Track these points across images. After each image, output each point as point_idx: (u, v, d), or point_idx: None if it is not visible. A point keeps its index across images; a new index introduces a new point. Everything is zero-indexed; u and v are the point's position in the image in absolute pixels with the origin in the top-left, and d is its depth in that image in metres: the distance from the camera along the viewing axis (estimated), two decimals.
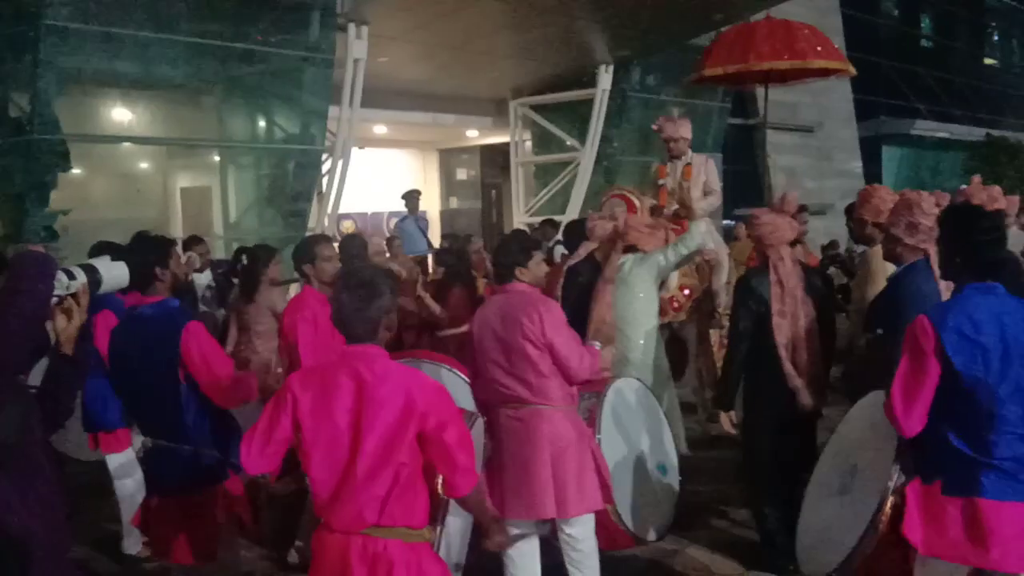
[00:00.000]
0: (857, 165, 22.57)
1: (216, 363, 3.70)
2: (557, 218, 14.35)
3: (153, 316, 3.76)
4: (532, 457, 3.89)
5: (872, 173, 23.38)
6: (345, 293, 3.00)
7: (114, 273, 3.09)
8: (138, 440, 5.44)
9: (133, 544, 5.40)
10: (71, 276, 2.80)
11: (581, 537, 4.02)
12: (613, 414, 4.64)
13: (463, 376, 4.59)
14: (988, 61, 33.40)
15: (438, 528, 3.30)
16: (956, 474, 3.06)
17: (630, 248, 6.11)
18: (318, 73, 10.51)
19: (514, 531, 3.92)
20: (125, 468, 5.39)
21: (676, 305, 6.90)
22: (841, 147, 22.02)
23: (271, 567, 5.21)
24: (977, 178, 5.63)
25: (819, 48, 7.87)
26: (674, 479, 4.95)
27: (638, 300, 6.04)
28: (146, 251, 3.82)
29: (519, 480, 3.91)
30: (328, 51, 10.38)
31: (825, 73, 8.34)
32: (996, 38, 34.46)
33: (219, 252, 11.48)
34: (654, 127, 7.30)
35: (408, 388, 2.89)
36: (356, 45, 10.49)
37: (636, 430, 4.81)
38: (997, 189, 6.06)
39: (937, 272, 4.34)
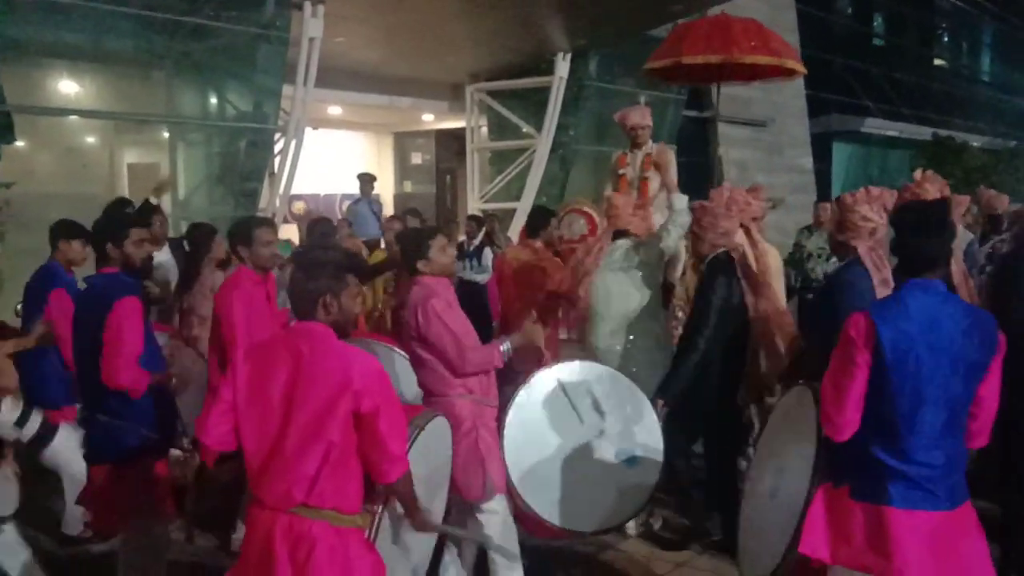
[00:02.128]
0: (808, 161, 22.83)
1: (123, 343, 3.76)
2: (512, 205, 14.41)
3: (100, 286, 3.91)
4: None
5: (822, 169, 23.72)
6: (295, 270, 3.03)
7: None
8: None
9: (74, 525, 5.29)
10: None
11: (485, 522, 4.10)
12: (541, 402, 4.52)
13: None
14: (937, 62, 34.01)
15: (376, 517, 3.23)
16: (866, 479, 3.02)
17: (620, 233, 5.94)
18: (272, 51, 10.33)
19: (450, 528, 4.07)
20: (69, 447, 5.27)
21: None
22: (792, 143, 22.26)
23: (215, 552, 5.15)
24: (928, 173, 5.69)
25: (787, 49, 8.00)
26: (648, 470, 4.65)
27: (624, 288, 5.80)
28: (105, 228, 4.06)
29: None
30: (283, 29, 10.21)
31: (786, 73, 8.42)
32: (945, 39, 35.09)
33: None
34: (616, 117, 7.27)
35: (346, 367, 2.88)
36: (312, 24, 10.32)
37: (585, 418, 4.62)
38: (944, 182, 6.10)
39: (871, 268, 4.45)
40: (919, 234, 3.05)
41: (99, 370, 3.77)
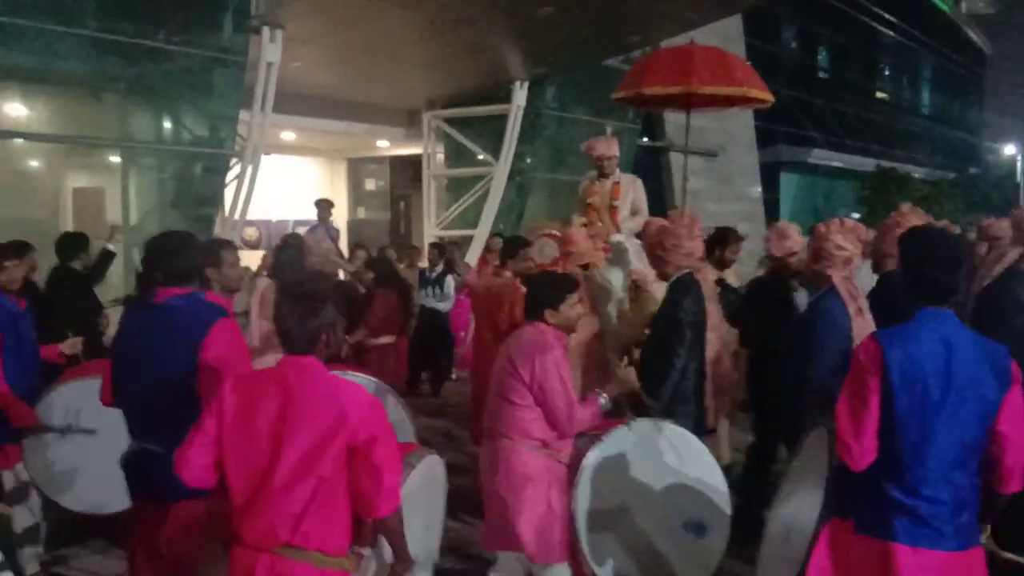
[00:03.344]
0: (756, 190, 23.22)
1: (231, 366, 3.44)
2: (469, 232, 14.35)
3: (180, 308, 3.53)
4: (493, 490, 3.82)
5: (770, 198, 24.13)
6: (288, 302, 2.88)
7: None
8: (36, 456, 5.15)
9: (30, 564, 5.06)
10: None
11: None
12: (616, 460, 4.16)
13: (392, 392, 4.45)
14: (879, 95, 34.94)
15: (363, 562, 3.08)
16: (872, 513, 2.91)
17: (584, 267, 5.83)
18: (229, 75, 10.22)
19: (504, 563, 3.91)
20: (15, 486, 5.06)
21: None
22: (741, 172, 22.63)
23: None
24: (909, 205, 5.73)
25: (752, 78, 8.02)
26: (716, 541, 4.27)
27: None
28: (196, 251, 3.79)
29: (490, 512, 3.87)
30: (240, 53, 10.10)
31: (754, 102, 8.47)
32: (887, 72, 36.06)
33: (117, 255, 11.00)
34: (583, 147, 7.25)
35: (340, 400, 2.78)
36: (270, 48, 10.23)
37: (655, 479, 4.24)
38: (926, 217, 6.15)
39: (845, 297, 4.46)
40: (935, 261, 2.96)
41: (177, 399, 3.40)
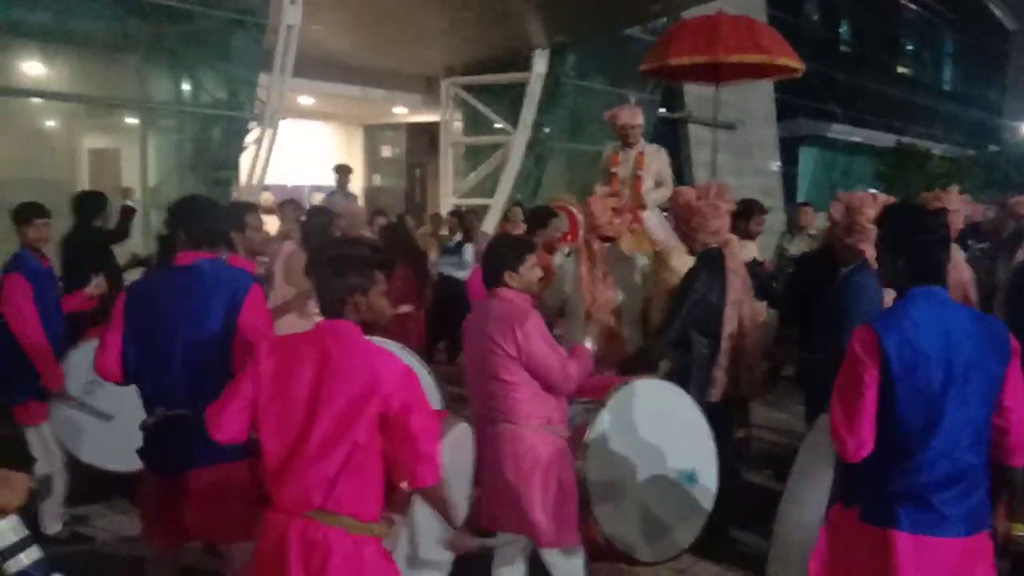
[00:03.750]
0: (775, 164, 23.03)
1: (263, 332, 3.43)
2: (485, 201, 14.28)
3: (210, 272, 3.48)
4: (500, 476, 3.70)
5: (789, 173, 23.95)
6: (314, 267, 2.89)
7: None
8: (60, 412, 5.16)
9: (51, 523, 5.08)
10: None
11: (557, 565, 3.80)
12: (614, 424, 4.22)
13: (420, 360, 4.41)
14: (901, 70, 34.54)
15: (395, 528, 3.03)
16: (875, 501, 2.84)
17: (607, 239, 5.84)
18: (249, 37, 10.15)
19: (501, 539, 3.78)
20: (40, 443, 5.08)
21: None
22: (760, 145, 22.43)
23: (199, 553, 4.95)
24: (953, 189, 5.66)
25: (780, 46, 7.91)
26: (705, 488, 4.42)
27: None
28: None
29: (493, 493, 3.72)
30: (261, 15, 10.02)
31: (783, 71, 8.36)
32: (909, 48, 35.63)
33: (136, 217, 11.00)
34: (606, 116, 7.16)
35: (375, 366, 2.75)
36: (290, 11, 10.13)
37: (651, 436, 4.33)
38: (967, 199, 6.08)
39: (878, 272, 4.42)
40: (923, 237, 2.86)
41: (215, 363, 3.36)
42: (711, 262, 4.97)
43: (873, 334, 2.76)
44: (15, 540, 2.35)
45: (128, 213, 7.21)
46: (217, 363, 3.39)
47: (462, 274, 9.47)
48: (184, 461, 3.40)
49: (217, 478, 3.39)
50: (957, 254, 4.65)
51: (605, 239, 5.85)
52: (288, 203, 7.22)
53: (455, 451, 3.48)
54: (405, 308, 6.79)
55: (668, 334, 4.85)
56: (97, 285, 5.40)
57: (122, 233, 7.15)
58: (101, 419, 5.21)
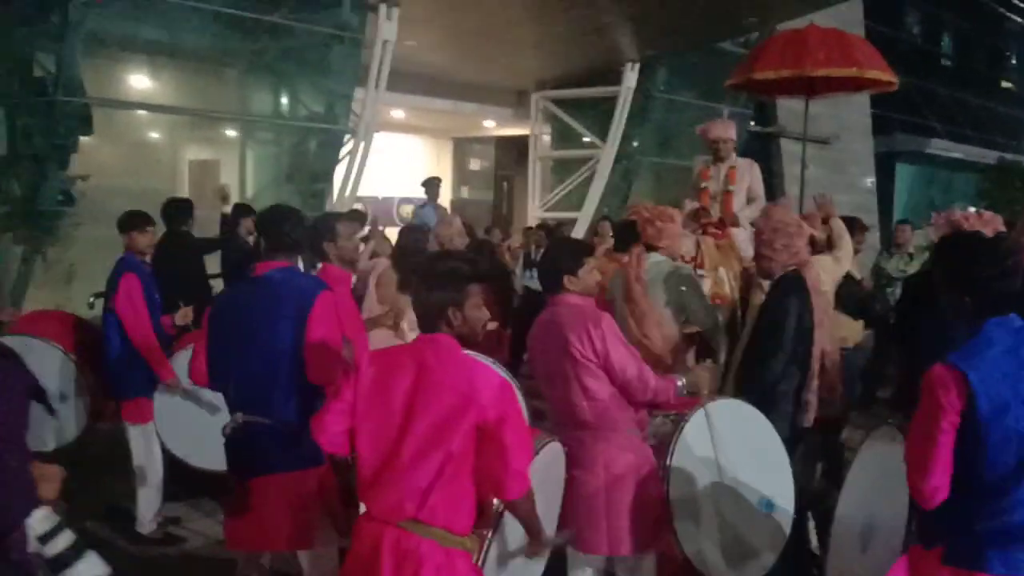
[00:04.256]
0: (871, 180, 22.44)
1: (332, 340, 3.56)
2: (572, 215, 14.26)
3: (283, 281, 3.62)
4: (585, 486, 3.63)
5: (885, 189, 23.29)
6: (411, 283, 2.96)
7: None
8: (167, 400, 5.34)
9: (148, 522, 5.24)
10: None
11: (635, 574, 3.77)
12: (697, 440, 4.10)
13: (509, 375, 4.40)
14: (1005, 84, 33.32)
15: (486, 542, 3.07)
16: (961, 543, 2.69)
17: (649, 248, 5.38)
18: (346, 52, 10.37)
19: (575, 557, 3.74)
20: (144, 442, 5.25)
21: None
22: (855, 161, 21.88)
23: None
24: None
25: (872, 59, 7.70)
26: (783, 518, 4.28)
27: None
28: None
29: (574, 509, 3.65)
30: (358, 30, 10.24)
31: (877, 85, 8.14)
32: (1014, 62, 34.38)
33: None
34: (698, 130, 7.08)
35: (472, 378, 2.78)
36: (386, 26, 10.33)
37: (730, 458, 4.21)
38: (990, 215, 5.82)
39: None
40: (981, 272, 2.73)
41: (283, 371, 3.50)
42: (796, 286, 4.81)
43: (960, 375, 2.60)
44: (50, 527, 2.57)
45: (225, 219, 7.39)
46: (288, 372, 3.50)
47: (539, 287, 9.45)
48: (259, 466, 3.53)
49: (288, 485, 3.49)
50: None
51: (653, 248, 5.36)
52: (373, 223, 7.34)
53: (547, 469, 3.46)
54: (491, 325, 6.80)
55: (771, 370, 4.61)
56: (184, 315, 5.55)
57: (217, 243, 7.34)
58: (210, 410, 5.36)
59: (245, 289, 3.76)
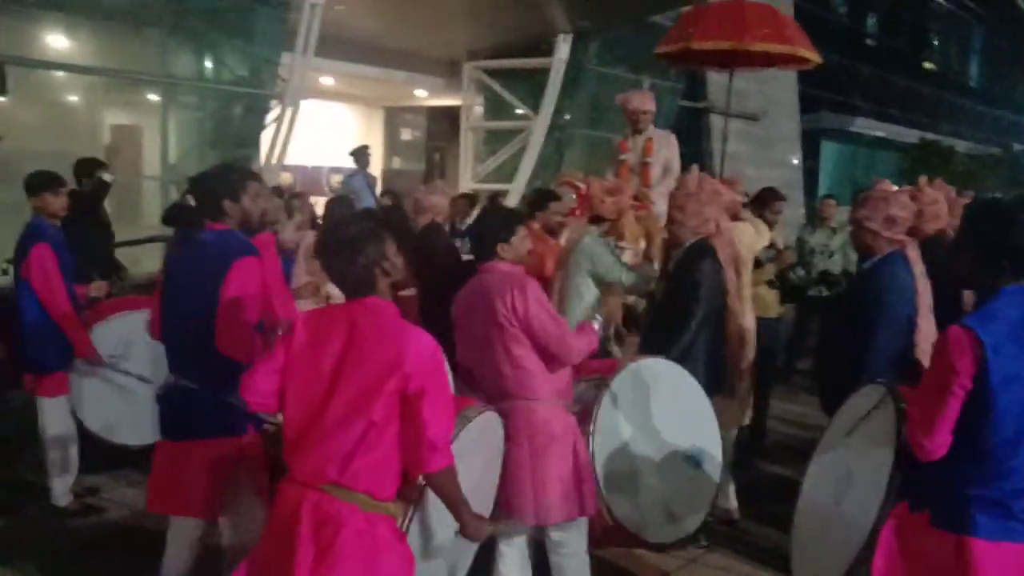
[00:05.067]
0: (797, 157, 22.82)
1: (244, 308, 3.48)
2: (504, 186, 14.22)
3: (214, 243, 3.58)
4: (511, 456, 3.63)
5: (811, 166, 23.74)
6: (328, 256, 2.86)
7: None
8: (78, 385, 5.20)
9: (62, 495, 5.10)
10: None
11: (565, 542, 3.75)
12: (622, 402, 4.15)
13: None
14: (927, 65, 34.15)
15: (411, 508, 3.02)
16: (950, 506, 2.74)
17: (594, 219, 5.67)
18: (272, 15, 10.14)
19: (502, 527, 3.70)
20: (58, 415, 5.09)
21: None
22: (783, 138, 22.22)
23: None
24: (937, 181, 5.54)
25: (801, 37, 7.81)
26: (711, 471, 4.39)
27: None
28: (217, 182, 3.71)
29: (502, 478, 3.64)
30: None
31: (800, 62, 8.25)
32: (936, 43, 35.24)
33: (152, 194, 11.02)
34: (618, 99, 7.10)
35: (400, 344, 2.73)
36: None
37: (657, 417, 4.28)
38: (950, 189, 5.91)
39: (915, 265, 4.34)
40: (1014, 233, 2.69)
41: (205, 335, 3.43)
42: (706, 252, 4.85)
43: (973, 337, 2.63)
44: None
45: (100, 185, 7.04)
46: (210, 337, 3.44)
47: (470, 257, 9.36)
48: (181, 430, 3.53)
49: (207, 451, 3.47)
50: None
51: (601, 219, 5.69)
52: (295, 197, 7.15)
53: (482, 439, 3.42)
54: (407, 292, 6.73)
55: (686, 331, 4.66)
56: (98, 288, 5.38)
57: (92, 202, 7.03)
58: (128, 384, 5.28)
59: (185, 249, 3.75)
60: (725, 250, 5.06)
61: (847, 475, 3.51)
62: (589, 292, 5.28)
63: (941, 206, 5.25)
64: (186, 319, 3.53)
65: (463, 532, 2.97)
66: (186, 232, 3.85)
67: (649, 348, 4.75)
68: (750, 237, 5.66)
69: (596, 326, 3.83)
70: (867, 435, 3.39)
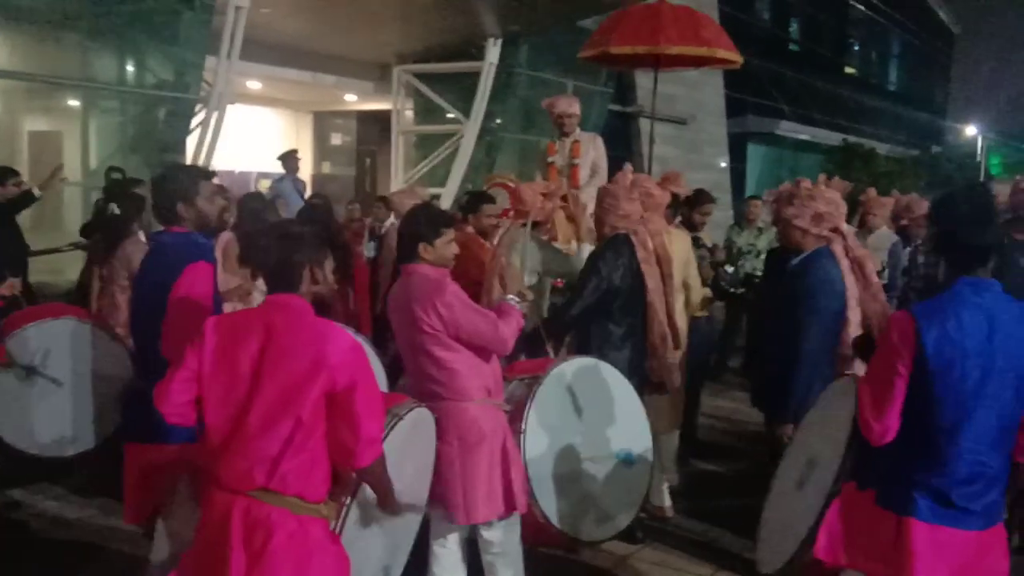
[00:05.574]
0: (724, 160, 23.23)
1: (189, 313, 3.38)
2: (437, 191, 14.17)
3: (171, 246, 3.59)
4: (441, 454, 3.61)
5: (737, 169, 24.16)
6: (266, 240, 2.82)
7: None
8: None
9: None
10: None
11: (496, 540, 3.72)
12: (553, 400, 4.16)
13: (367, 341, 4.34)
14: (848, 70, 35.06)
15: (344, 508, 2.98)
16: (893, 487, 2.81)
17: (536, 223, 5.70)
18: (196, 18, 9.93)
19: (437, 523, 3.71)
20: None
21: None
22: (710, 141, 22.60)
23: (139, 538, 4.83)
24: (834, 179, 5.68)
25: (720, 38, 7.95)
26: (642, 469, 4.43)
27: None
28: (175, 184, 3.65)
29: (434, 476, 3.62)
30: None
31: (723, 63, 8.41)
32: (856, 48, 36.20)
33: (75, 200, 10.73)
34: (544, 104, 7.16)
35: (322, 342, 2.70)
36: None
37: (588, 415, 4.30)
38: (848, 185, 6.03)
39: (842, 260, 4.44)
40: (974, 224, 2.75)
41: (159, 339, 3.39)
42: (616, 246, 4.90)
43: (913, 324, 2.70)
44: None
45: (26, 196, 6.95)
46: (158, 338, 3.42)
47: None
48: (127, 432, 3.62)
49: (141, 456, 3.49)
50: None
51: (536, 223, 5.77)
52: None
53: (413, 435, 3.40)
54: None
55: (569, 313, 4.77)
56: (9, 286, 5.22)
57: (11, 209, 6.90)
58: (56, 383, 5.11)
59: (149, 254, 3.77)
60: (646, 246, 5.11)
61: (810, 462, 3.58)
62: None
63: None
64: (144, 323, 3.57)
65: (381, 508, 3.00)
66: (152, 235, 3.87)
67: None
68: (681, 241, 5.73)
69: (514, 304, 3.78)
70: (830, 421, 3.45)
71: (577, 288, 4.85)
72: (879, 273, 5.34)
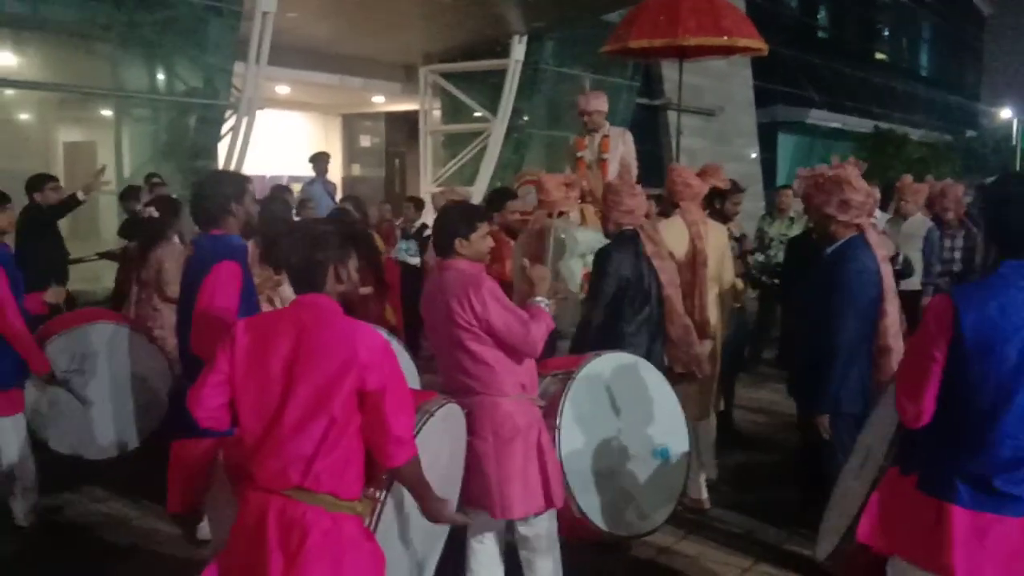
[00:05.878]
0: (754, 150, 23.05)
1: (214, 311, 3.57)
2: (466, 189, 14.21)
3: (208, 248, 3.74)
4: (476, 451, 3.62)
5: (768, 159, 23.96)
6: (290, 240, 2.85)
7: None
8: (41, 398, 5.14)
9: (26, 516, 5.00)
10: None
11: (533, 536, 3.74)
12: (588, 395, 4.17)
13: (397, 340, 4.36)
14: (878, 56, 34.62)
15: (378, 505, 3.00)
16: (935, 473, 2.79)
17: (560, 213, 5.81)
18: (224, 24, 10.04)
19: (474, 519, 3.69)
20: (10, 433, 4.94)
21: None
22: (739, 132, 22.43)
23: (179, 541, 4.89)
24: (850, 158, 5.61)
25: (742, 26, 7.90)
26: (680, 464, 4.43)
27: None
28: (220, 188, 3.83)
29: (468, 472, 3.64)
30: (236, 2, 9.89)
31: (744, 51, 8.35)
32: (886, 34, 35.73)
33: (111, 208, 10.87)
34: (576, 101, 7.17)
35: (352, 341, 2.71)
36: None
37: (623, 410, 4.29)
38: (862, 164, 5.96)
39: (880, 248, 4.39)
40: (1013, 206, 2.73)
41: (187, 335, 3.58)
42: (621, 243, 4.89)
43: (952, 307, 2.69)
44: None
45: (71, 200, 7.13)
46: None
47: (415, 260, 9.28)
48: (172, 429, 3.78)
49: (181, 451, 3.66)
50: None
51: (559, 214, 5.81)
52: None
53: (445, 431, 3.41)
54: (364, 289, 6.72)
55: (592, 324, 4.80)
56: (55, 293, 5.30)
57: (56, 213, 7.11)
58: (83, 403, 5.29)
59: (190, 255, 3.94)
60: (654, 240, 5.09)
61: (866, 456, 3.58)
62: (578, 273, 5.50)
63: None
64: (185, 323, 3.72)
65: (427, 516, 2.97)
66: (194, 239, 4.04)
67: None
68: (717, 233, 5.71)
69: (543, 305, 3.78)
70: (886, 419, 3.45)
71: (591, 294, 4.85)
72: (893, 259, 5.31)
